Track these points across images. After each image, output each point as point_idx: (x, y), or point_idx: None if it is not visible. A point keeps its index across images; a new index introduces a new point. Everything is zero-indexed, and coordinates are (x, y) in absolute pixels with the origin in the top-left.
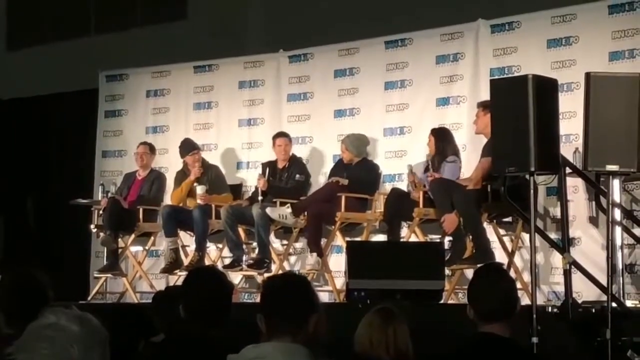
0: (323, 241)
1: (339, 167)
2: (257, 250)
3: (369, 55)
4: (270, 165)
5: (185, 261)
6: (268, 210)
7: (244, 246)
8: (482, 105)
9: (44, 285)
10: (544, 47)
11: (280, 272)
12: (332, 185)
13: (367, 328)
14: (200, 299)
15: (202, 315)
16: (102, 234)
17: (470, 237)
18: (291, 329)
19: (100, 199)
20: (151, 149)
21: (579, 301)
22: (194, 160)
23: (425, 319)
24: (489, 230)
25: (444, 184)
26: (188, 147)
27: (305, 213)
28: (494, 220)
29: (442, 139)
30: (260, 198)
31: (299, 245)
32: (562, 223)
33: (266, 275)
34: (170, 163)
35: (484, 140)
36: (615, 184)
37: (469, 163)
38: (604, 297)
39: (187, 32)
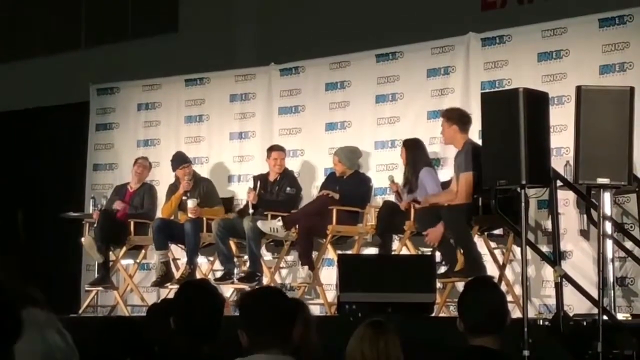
0: (314, 254)
1: (331, 180)
2: (248, 264)
3: (360, 69)
4: (261, 179)
5: (177, 274)
6: (259, 223)
7: (235, 259)
8: (445, 116)
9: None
10: (534, 61)
11: (272, 285)
12: (324, 198)
13: (358, 341)
14: (191, 312)
15: (193, 329)
16: (87, 236)
17: (461, 251)
18: (276, 342)
19: (91, 212)
20: (150, 164)
21: (570, 314)
22: (184, 173)
23: (417, 332)
24: (480, 243)
25: (427, 213)
26: (179, 161)
27: (297, 226)
28: (485, 233)
29: (412, 150)
30: (251, 211)
31: (290, 258)
32: (553, 236)
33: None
34: (161, 176)
35: None
36: (606, 197)
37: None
38: (595, 310)
39: (178, 45)
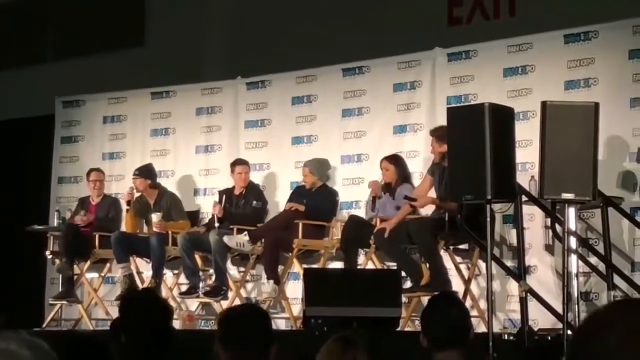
0: (280, 268)
1: (298, 193)
2: (213, 277)
3: (326, 83)
4: (226, 192)
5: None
6: (225, 238)
7: (201, 273)
8: (435, 135)
9: None
10: (500, 76)
11: (237, 299)
12: (290, 212)
13: (326, 356)
14: (136, 324)
15: (140, 343)
16: (57, 261)
17: (427, 265)
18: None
19: (56, 225)
20: (104, 174)
21: (535, 329)
22: (133, 183)
23: (382, 346)
24: (446, 258)
25: (389, 235)
26: (136, 170)
27: (262, 240)
28: (451, 248)
29: (402, 165)
30: (216, 225)
31: (255, 272)
32: (518, 251)
33: (222, 302)
34: (126, 189)
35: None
36: (571, 212)
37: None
38: (560, 325)
39: (145, 58)
